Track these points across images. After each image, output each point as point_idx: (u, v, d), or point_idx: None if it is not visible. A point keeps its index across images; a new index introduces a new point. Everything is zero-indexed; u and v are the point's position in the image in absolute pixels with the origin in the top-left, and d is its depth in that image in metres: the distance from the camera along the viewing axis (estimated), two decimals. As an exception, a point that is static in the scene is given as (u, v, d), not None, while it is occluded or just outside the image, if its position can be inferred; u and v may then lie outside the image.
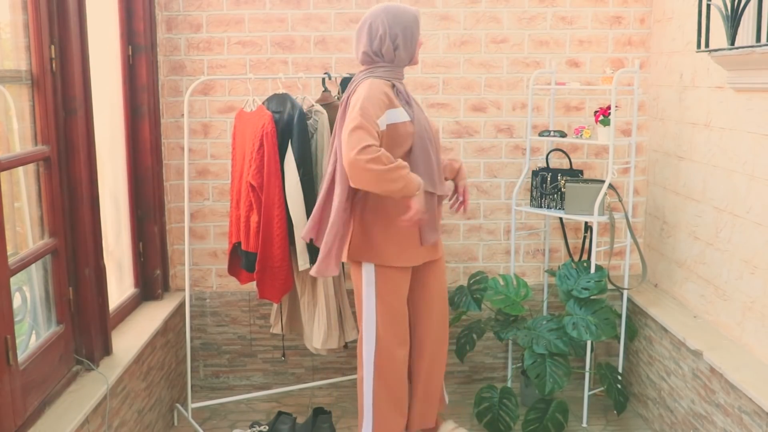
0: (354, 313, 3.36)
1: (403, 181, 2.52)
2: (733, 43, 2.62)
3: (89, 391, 2.44)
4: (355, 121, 2.51)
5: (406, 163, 2.56)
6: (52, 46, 2.41)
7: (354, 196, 2.74)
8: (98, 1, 2.98)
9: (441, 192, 2.83)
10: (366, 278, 2.80)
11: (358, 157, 2.46)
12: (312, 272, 2.75)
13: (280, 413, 3.27)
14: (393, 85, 2.71)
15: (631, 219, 3.43)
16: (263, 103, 3.12)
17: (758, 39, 2.53)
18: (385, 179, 2.49)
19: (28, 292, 2.38)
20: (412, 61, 2.74)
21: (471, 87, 3.66)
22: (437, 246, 2.93)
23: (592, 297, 3.25)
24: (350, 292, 3.54)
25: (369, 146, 2.47)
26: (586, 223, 3.66)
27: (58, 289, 2.46)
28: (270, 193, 2.98)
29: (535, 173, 3.51)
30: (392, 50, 2.67)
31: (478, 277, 3.42)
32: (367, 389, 2.88)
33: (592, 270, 3.28)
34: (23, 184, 2.36)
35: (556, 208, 3.47)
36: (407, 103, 2.72)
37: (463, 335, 3.49)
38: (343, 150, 2.53)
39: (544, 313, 3.74)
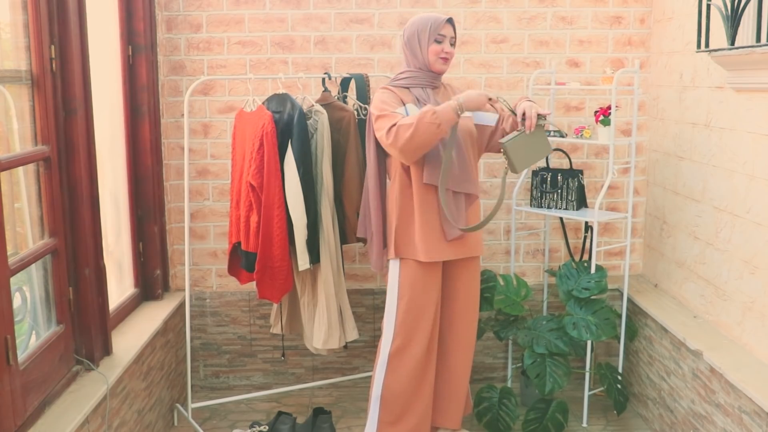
0: (354, 313, 3.37)
1: (436, 122, 2.62)
2: (733, 43, 2.62)
3: (89, 391, 2.44)
4: (375, 117, 2.75)
5: (426, 109, 2.64)
6: (52, 46, 2.41)
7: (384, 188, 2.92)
8: (98, 1, 2.98)
9: (466, 190, 2.85)
10: (392, 271, 2.89)
11: (390, 143, 2.66)
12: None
13: (280, 413, 3.27)
14: (410, 90, 2.84)
15: (631, 219, 3.43)
16: (263, 103, 3.12)
17: (758, 39, 2.53)
18: (422, 137, 2.61)
19: (28, 292, 2.38)
20: (429, 67, 2.83)
21: (471, 87, 3.65)
22: (466, 244, 2.91)
23: (592, 297, 3.25)
24: (351, 292, 3.54)
25: (390, 128, 2.65)
26: (586, 222, 3.67)
27: (58, 289, 2.46)
28: (270, 193, 2.98)
29: (535, 173, 3.51)
30: (409, 55, 2.84)
31: (485, 276, 3.40)
32: (377, 381, 2.92)
33: (593, 270, 3.28)
34: (23, 184, 2.36)
35: (556, 207, 3.47)
36: (423, 104, 2.79)
37: (463, 335, 3.49)
38: (384, 145, 2.73)
39: (544, 313, 3.74)
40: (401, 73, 2.88)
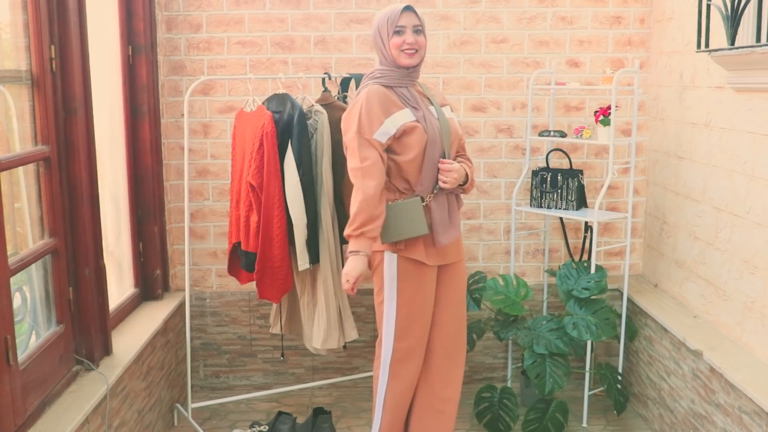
0: (354, 313, 3.36)
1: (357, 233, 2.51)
2: (733, 43, 2.62)
3: (89, 391, 2.44)
4: (346, 137, 2.59)
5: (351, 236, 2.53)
6: (52, 46, 2.41)
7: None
8: (98, 1, 2.98)
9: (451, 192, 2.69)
10: (388, 270, 2.65)
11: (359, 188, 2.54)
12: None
13: (280, 413, 3.28)
14: (393, 89, 2.62)
15: (631, 220, 3.42)
16: (263, 103, 3.12)
17: (758, 39, 2.53)
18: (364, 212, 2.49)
19: (28, 292, 2.38)
20: (396, 62, 2.60)
21: (471, 87, 3.66)
22: (449, 251, 2.72)
23: (592, 297, 3.25)
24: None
25: (354, 172, 2.53)
26: (586, 222, 3.67)
27: (58, 289, 2.46)
28: (270, 193, 2.98)
29: (535, 173, 3.51)
30: (379, 54, 2.65)
31: (476, 277, 3.41)
32: (380, 390, 2.75)
33: (592, 270, 3.28)
34: (23, 184, 2.37)
35: (556, 207, 3.47)
36: (414, 107, 2.61)
37: (463, 335, 3.49)
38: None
39: (544, 313, 3.74)
40: (376, 70, 2.65)
